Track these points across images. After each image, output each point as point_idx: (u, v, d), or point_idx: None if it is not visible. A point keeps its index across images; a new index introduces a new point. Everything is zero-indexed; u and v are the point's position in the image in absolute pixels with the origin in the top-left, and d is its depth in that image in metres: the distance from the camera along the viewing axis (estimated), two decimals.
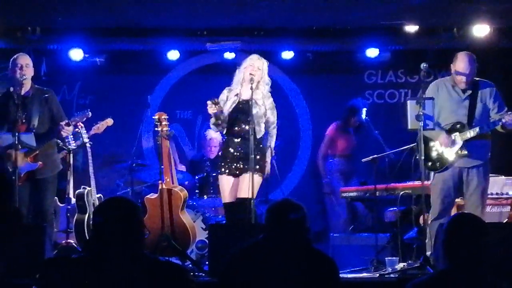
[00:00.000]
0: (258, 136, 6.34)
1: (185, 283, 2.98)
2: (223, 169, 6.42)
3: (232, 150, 6.39)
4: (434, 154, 6.23)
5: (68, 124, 6.39)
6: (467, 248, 3.02)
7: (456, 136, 6.15)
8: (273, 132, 6.48)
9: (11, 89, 6.44)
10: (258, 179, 6.31)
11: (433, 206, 6.15)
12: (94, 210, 3.34)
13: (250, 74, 6.31)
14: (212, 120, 6.44)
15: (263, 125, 6.40)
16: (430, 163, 6.24)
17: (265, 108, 6.38)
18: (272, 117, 6.44)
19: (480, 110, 6.19)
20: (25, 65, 6.39)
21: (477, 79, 6.26)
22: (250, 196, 6.13)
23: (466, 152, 6.10)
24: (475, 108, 6.19)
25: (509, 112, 6.07)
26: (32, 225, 6.09)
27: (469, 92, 6.20)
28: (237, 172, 6.35)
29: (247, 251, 3.48)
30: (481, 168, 6.15)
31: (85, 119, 6.69)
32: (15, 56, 6.50)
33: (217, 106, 6.27)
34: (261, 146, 6.39)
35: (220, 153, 6.56)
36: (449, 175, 6.16)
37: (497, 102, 6.21)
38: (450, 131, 6.20)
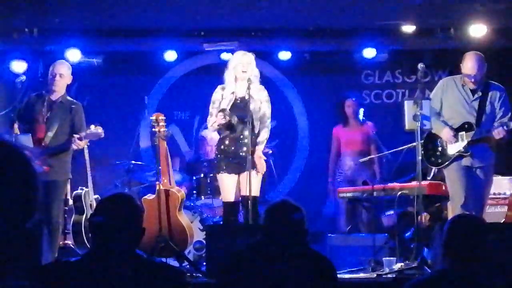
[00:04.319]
0: (256, 131, 6.29)
1: (181, 286, 2.97)
2: (223, 167, 6.30)
3: (232, 148, 6.30)
4: (437, 150, 6.26)
5: (80, 139, 6.38)
6: (467, 249, 3.01)
7: (462, 135, 6.17)
8: (269, 125, 6.38)
9: (44, 92, 6.58)
10: (259, 176, 6.28)
11: (455, 195, 6.10)
12: (97, 204, 3.29)
13: (243, 72, 6.27)
14: (222, 131, 6.34)
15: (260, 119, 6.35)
16: (433, 158, 6.26)
17: (260, 101, 6.33)
18: (268, 110, 6.37)
19: (488, 112, 6.22)
20: (59, 75, 6.51)
21: (489, 81, 6.27)
22: (255, 194, 6.10)
23: (469, 152, 6.11)
24: (484, 110, 6.21)
25: (500, 121, 6.09)
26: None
27: (479, 93, 6.21)
28: (238, 170, 6.25)
29: (246, 252, 3.48)
30: (486, 169, 6.18)
31: (97, 138, 6.56)
32: (54, 63, 6.63)
33: (226, 112, 6.24)
34: (256, 140, 6.32)
35: (216, 152, 6.48)
36: (458, 167, 6.17)
37: (503, 107, 6.23)
38: (457, 130, 6.22)
